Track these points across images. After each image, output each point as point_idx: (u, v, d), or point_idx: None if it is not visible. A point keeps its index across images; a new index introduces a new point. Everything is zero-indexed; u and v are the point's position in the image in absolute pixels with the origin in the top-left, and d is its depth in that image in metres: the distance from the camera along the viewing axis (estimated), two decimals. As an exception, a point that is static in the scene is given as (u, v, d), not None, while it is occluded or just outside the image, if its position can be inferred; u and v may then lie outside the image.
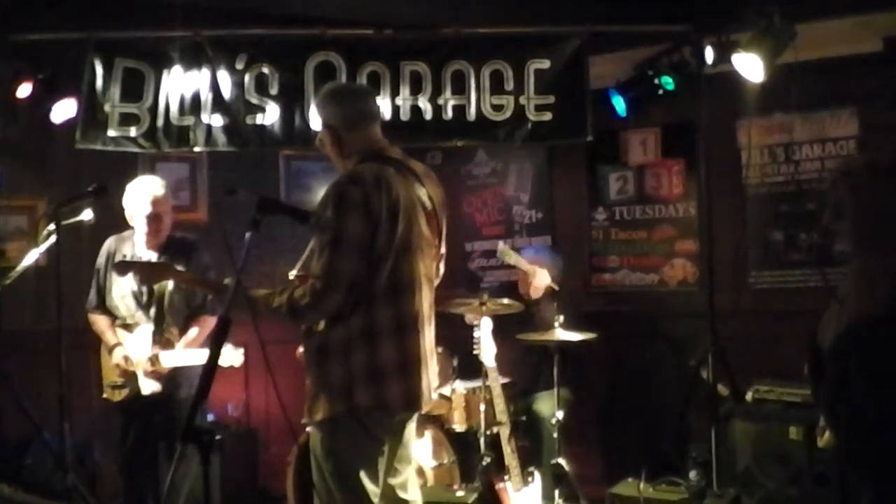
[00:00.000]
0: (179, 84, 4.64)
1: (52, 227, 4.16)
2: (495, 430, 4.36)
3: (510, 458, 4.29)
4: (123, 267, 3.95)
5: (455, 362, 4.75)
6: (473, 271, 6.23)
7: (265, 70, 4.67)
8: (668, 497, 4.14)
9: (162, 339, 4.09)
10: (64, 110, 4.56)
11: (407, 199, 2.86)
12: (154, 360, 4.00)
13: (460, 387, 4.66)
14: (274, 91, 4.67)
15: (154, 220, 4.11)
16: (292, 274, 2.96)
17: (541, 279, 4.99)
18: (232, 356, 3.92)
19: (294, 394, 3.17)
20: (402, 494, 3.00)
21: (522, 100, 4.70)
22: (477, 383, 4.49)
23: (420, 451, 4.32)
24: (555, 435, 4.51)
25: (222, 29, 4.70)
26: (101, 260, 4.23)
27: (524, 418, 4.82)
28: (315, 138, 3.10)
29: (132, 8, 4.81)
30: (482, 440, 4.36)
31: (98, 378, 4.26)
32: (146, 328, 4.08)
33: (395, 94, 4.68)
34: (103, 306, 4.19)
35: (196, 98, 4.65)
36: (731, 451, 4.25)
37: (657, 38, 4.74)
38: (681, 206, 5.53)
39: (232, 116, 4.66)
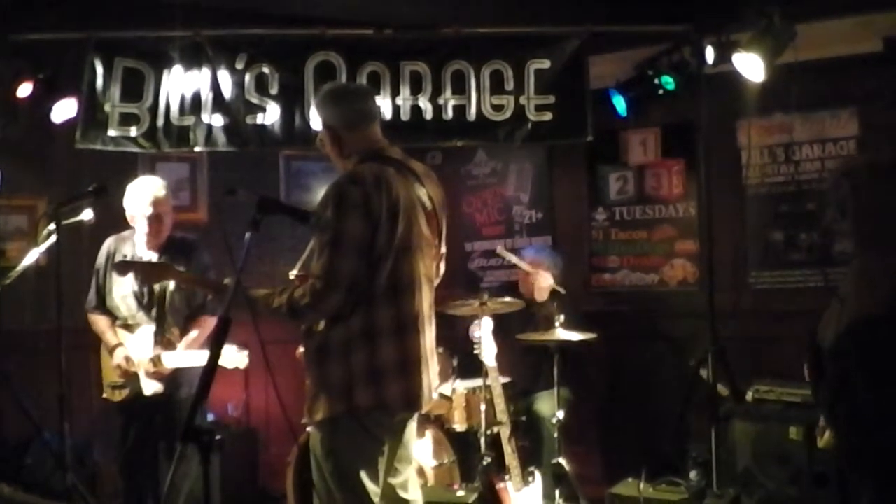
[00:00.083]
0: (179, 84, 4.64)
1: (52, 226, 4.15)
2: (495, 429, 4.36)
3: (510, 458, 4.29)
4: (123, 267, 3.95)
5: (455, 362, 4.76)
6: (473, 271, 6.23)
7: (265, 70, 4.67)
8: (668, 497, 4.14)
9: (163, 339, 4.09)
10: (64, 110, 4.56)
11: (407, 199, 2.86)
12: (156, 360, 4.00)
13: (460, 387, 4.66)
14: (274, 91, 4.67)
15: (155, 220, 4.10)
16: (292, 274, 2.97)
17: (544, 280, 4.99)
18: (236, 358, 3.91)
19: (294, 394, 3.18)
20: (402, 494, 3.00)
21: (522, 100, 4.70)
22: (477, 383, 4.49)
23: (420, 450, 4.32)
24: (555, 435, 4.52)
25: (222, 29, 4.70)
26: (100, 260, 4.23)
27: (524, 418, 4.82)
28: (315, 138, 3.11)
29: (132, 8, 4.81)
30: (482, 440, 4.36)
31: (98, 378, 4.26)
32: (147, 329, 4.08)
33: (395, 94, 4.68)
34: (103, 306, 4.19)
35: (196, 98, 4.65)
36: (731, 451, 4.25)
37: (657, 38, 4.74)
38: (681, 206, 5.53)
39: (232, 116, 4.66)
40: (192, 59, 4.64)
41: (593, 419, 5.59)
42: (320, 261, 2.75)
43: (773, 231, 5.16)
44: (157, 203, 4.10)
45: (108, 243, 4.25)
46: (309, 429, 2.99)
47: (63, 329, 4.06)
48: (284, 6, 5.11)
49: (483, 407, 4.37)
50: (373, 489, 2.84)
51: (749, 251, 5.22)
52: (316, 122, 3.35)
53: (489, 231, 6.22)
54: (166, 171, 5.15)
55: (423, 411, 3.05)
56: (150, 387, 4.04)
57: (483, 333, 4.36)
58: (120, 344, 4.10)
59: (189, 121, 4.65)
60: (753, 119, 5.05)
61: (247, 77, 4.66)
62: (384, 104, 4.64)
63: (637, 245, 5.70)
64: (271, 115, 4.67)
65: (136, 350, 4.06)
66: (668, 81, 4.61)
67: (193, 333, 4.15)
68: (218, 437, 2.29)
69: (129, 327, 4.13)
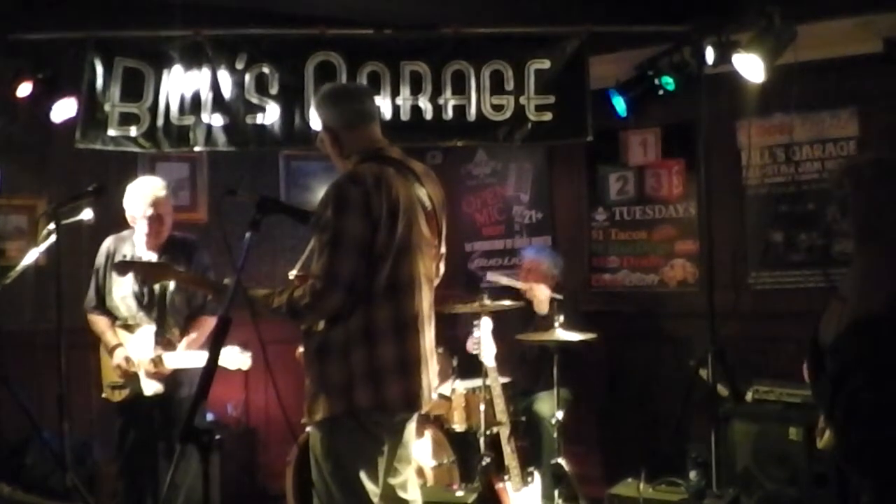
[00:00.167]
0: (179, 84, 4.64)
1: (51, 226, 4.15)
2: (495, 430, 4.36)
3: (510, 458, 4.29)
4: (123, 267, 3.95)
5: (455, 362, 4.76)
6: (473, 271, 6.23)
7: (265, 70, 4.66)
8: (667, 497, 4.14)
9: (164, 339, 4.09)
10: (64, 110, 4.56)
11: (407, 199, 2.86)
12: (157, 361, 3.99)
13: (460, 387, 4.66)
14: (274, 91, 4.67)
15: (155, 221, 4.10)
16: (292, 274, 2.96)
17: (541, 293, 4.98)
18: (239, 359, 3.90)
19: (294, 394, 3.18)
20: (401, 494, 3.00)
21: (522, 100, 4.70)
22: (477, 383, 4.48)
23: (420, 451, 4.32)
24: (555, 435, 4.52)
25: (222, 29, 4.70)
26: (100, 260, 4.23)
27: (524, 418, 4.81)
28: (315, 138, 3.11)
29: (132, 8, 4.81)
30: (482, 440, 4.36)
31: (97, 378, 4.26)
32: (148, 329, 4.07)
33: (395, 94, 4.68)
34: (102, 306, 4.19)
35: (196, 98, 4.65)
36: (731, 451, 4.25)
37: (657, 39, 4.74)
38: (681, 206, 5.53)
39: (232, 116, 4.66)
40: (192, 59, 4.64)
41: (593, 419, 5.60)
42: (320, 261, 2.75)
43: (773, 231, 5.16)
44: (157, 203, 4.09)
45: (108, 243, 4.25)
46: (308, 429, 2.99)
47: (63, 329, 4.06)
48: (284, 6, 5.11)
49: (482, 407, 4.37)
50: (372, 489, 2.84)
51: (749, 251, 5.22)
52: (316, 122, 3.35)
53: (489, 231, 6.22)
54: (166, 171, 5.15)
55: (423, 411, 3.05)
56: (151, 387, 4.04)
57: (483, 333, 4.36)
58: (120, 344, 4.09)
59: (189, 121, 4.65)
60: (753, 119, 5.06)
61: (247, 77, 4.66)
62: (384, 104, 4.64)
63: (637, 245, 5.70)
64: (271, 114, 4.67)
65: (136, 350, 4.05)
66: (668, 82, 4.60)
67: (194, 334, 4.15)
68: (217, 436, 2.29)
69: (129, 327, 4.12)
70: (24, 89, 4.49)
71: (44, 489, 4.40)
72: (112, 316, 4.17)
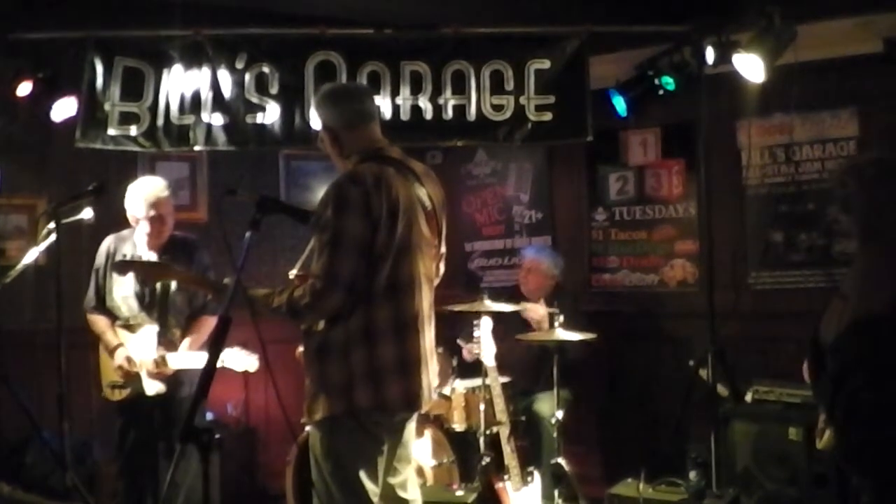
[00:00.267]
0: (179, 83, 4.64)
1: (51, 225, 4.15)
2: (495, 429, 4.35)
3: (510, 458, 4.29)
4: (123, 266, 3.94)
5: (455, 362, 4.76)
6: (473, 271, 6.23)
7: (265, 69, 4.66)
8: (667, 497, 4.13)
9: (165, 340, 4.08)
10: (64, 109, 4.56)
11: (407, 199, 2.86)
12: (161, 361, 3.99)
13: (460, 386, 4.66)
14: (274, 90, 4.67)
15: (157, 221, 4.09)
16: (292, 274, 2.96)
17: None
18: (245, 361, 3.89)
19: (294, 393, 3.18)
20: (401, 494, 3.00)
21: (522, 100, 4.70)
22: (477, 383, 4.48)
23: (420, 450, 4.32)
24: (554, 435, 4.51)
25: (222, 28, 4.70)
26: (100, 259, 4.22)
27: (524, 418, 4.81)
28: (315, 138, 3.11)
29: (132, 7, 4.81)
30: (482, 440, 4.35)
31: (97, 377, 4.26)
32: (150, 329, 4.06)
33: (395, 93, 4.68)
34: (102, 306, 4.18)
35: (196, 97, 4.65)
36: (731, 451, 4.25)
37: (657, 39, 4.74)
38: (681, 206, 5.53)
39: (232, 116, 4.66)
40: (192, 59, 4.64)
41: (593, 419, 5.60)
42: (320, 261, 2.75)
43: (773, 231, 5.16)
44: (158, 204, 4.09)
45: (108, 242, 4.24)
46: (308, 428, 2.99)
47: (63, 328, 4.05)
48: (284, 6, 5.11)
49: (482, 407, 4.36)
50: (372, 489, 2.84)
51: (749, 251, 5.22)
52: (316, 121, 3.35)
53: (489, 231, 6.22)
54: (166, 171, 5.15)
55: (423, 411, 3.05)
56: (153, 387, 4.03)
57: (483, 333, 4.36)
58: (120, 344, 4.09)
59: (189, 120, 4.65)
60: (753, 119, 5.06)
61: (247, 76, 4.66)
62: (384, 104, 4.64)
63: (637, 245, 5.70)
64: (271, 114, 4.67)
65: (138, 351, 4.04)
66: (668, 82, 4.60)
67: (195, 334, 4.14)
68: (217, 436, 2.30)
69: (130, 327, 4.12)
70: (24, 89, 4.49)
71: (44, 489, 4.40)
72: (112, 316, 4.16)
